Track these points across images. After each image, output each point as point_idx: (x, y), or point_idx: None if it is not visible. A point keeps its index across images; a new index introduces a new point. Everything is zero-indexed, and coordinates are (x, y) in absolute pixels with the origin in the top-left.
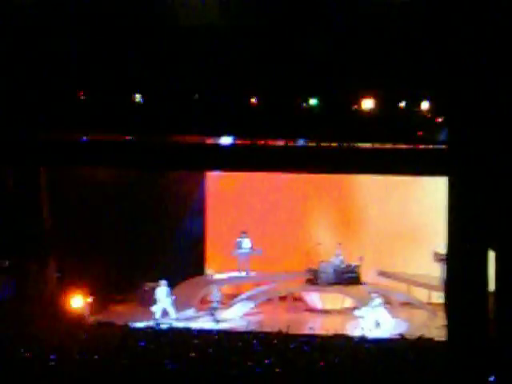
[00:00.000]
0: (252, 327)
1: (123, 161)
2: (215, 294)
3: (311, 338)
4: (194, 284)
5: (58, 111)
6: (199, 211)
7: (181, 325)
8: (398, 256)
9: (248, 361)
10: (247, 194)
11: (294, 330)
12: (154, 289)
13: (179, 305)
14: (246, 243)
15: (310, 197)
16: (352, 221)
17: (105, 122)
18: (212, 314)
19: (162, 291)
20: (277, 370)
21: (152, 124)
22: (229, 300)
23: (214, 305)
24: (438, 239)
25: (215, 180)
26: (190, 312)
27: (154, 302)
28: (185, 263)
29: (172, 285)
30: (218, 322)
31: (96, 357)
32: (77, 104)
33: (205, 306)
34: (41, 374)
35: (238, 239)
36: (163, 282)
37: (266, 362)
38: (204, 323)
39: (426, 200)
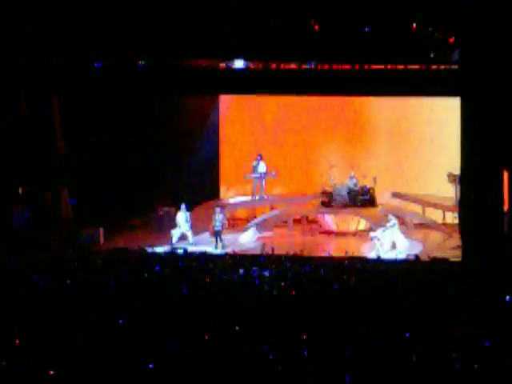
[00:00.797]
0: (266, 250)
1: (136, 85)
2: (217, 217)
3: (326, 260)
4: (208, 208)
5: (71, 35)
6: (213, 134)
7: (196, 249)
8: (411, 177)
9: (263, 284)
10: (261, 118)
11: (308, 253)
12: (169, 213)
13: (194, 229)
14: (262, 167)
15: (323, 120)
16: (365, 142)
17: (121, 46)
18: (216, 239)
19: (181, 216)
20: (292, 293)
21: (165, 48)
22: (243, 224)
23: (217, 228)
24: (452, 160)
25: (228, 104)
26: (205, 236)
27: (173, 225)
28: (201, 187)
29: (190, 209)
30: (220, 247)
31: (111, 282)
32: (90, 28)
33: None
34: (56, 301)
35: (254, 162)
36: (183, 207)
37: (282, 284)
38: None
39: (439, 120)
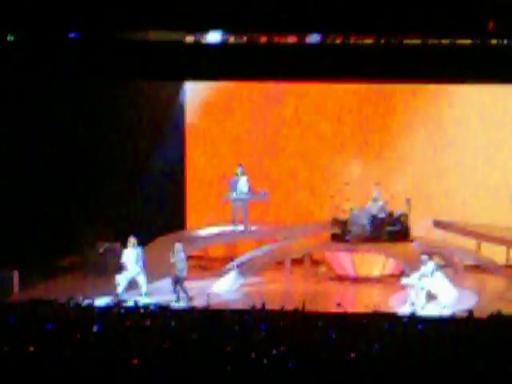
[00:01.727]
0: (253, 303)
1: (61, 66)
2: (178, 257)
3: (339, 317)
4: (169, 243)
5: None
6: (176, 138)
7: (151, 301)
8: (460, 200)
9: (248, 351)
10: (244, 114)
11: (314, 307)
12: (113, 250)
13: (150, 273)
14: (243, 184)
15: (331, 116)
16: (394, 150)
17: (42, 12)
18: (175, 287)
19: (130, 254)
20: (289, 365)
21: (104, 15)
22: (219, 266)
23: (179, 273)
24: None
25: (199, 94)
26: (165, 284)
27: (119, 268)
28: (158, 213)
29: (142, 246)
30: (185, 299)
31: (31, 348)
32: None
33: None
34: None
35: (232, 178)
36: (132, 241)
37: (274, 352)
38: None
39: (499, 121)
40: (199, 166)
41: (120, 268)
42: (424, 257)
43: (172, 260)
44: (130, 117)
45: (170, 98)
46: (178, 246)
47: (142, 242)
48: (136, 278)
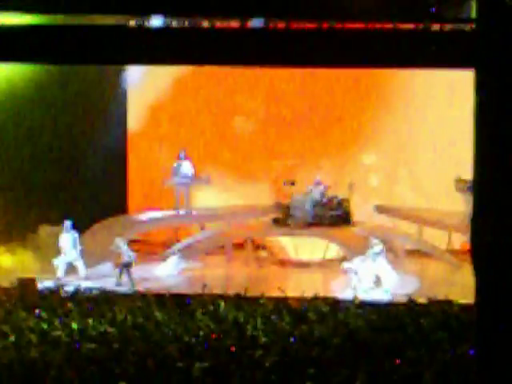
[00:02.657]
0: (194, 288)
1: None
2: (119, 243)
3: (281, 302)
4: (110, 228)
5: None
6: (118, 120)
7: (92, 285)
8: (403, 184)
9: (189, 336)
10: (187, 97)
11: (255, 292)
12: (54, 234)
13: (90, 258)
14: (186, 168)
15: (277, 97)
16: (337, 133)
17: None
18: (120, 272)
19: (66, 238)
20: (232, 349)
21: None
22: (161, 250)
23: (126, 259)
24: (461, 160)
25: (141, 77)
26: (106, 268)
27: (55, 252)
28: (99, 197)
29: (80, 229)
30: (129, 283)
31: None
32: None
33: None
34: None
35: (175, 162)
36: (67, 225)
37: (214, 337)
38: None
39: (442, 101)
40: (142, 149)
41: (57, 252)
42: (372, 239)
43: (114, 249)
44: (73, 100)
45: (112, 81)
46: (118, 240)
47: (84, 226)
48: (74, 263)
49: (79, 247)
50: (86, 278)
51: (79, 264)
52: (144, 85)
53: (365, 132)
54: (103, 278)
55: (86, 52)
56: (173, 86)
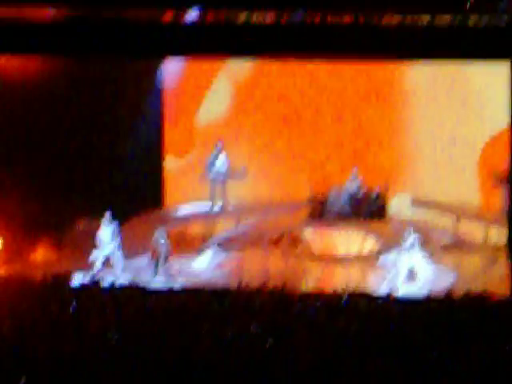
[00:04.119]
0: (230, 282)
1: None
2: (159, 237)
3: (316, 296)
4: (147, 222)
5: None
6: (154, 114)
7: (128, 279)
8: (440, 178)
9: (225, 329)
10: (223, 90)
11: (291, 286)
12: (92, 228)
13: (127, 251)
14: (222, 161)
15: (314, 92)
16: (373, 128)
17: None
18: (155, 266)
19: (105, 231)
20: (267, 343)
21: None
22: (198, 244)
23: (162, 251)
24: (497, 154)
25: (178, 71)
26: (143, 262)
27: (93, 245)
28: (136, 191)
29: (119, 223)
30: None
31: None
32: None
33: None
34: None
35: (211, 156)
36: (107, 217)
37: (252, 330)
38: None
39: (478, 98)
40: (178, 142)
41: (95, 245)
42: (407, 232)
43: (153, 242)
44: (108, 94)
45: (148, 75)
46: (160, 231)
47: (120, 219)
48: (111, 256)
49: (118, 239)
50: (123, 271)
51: (116, 258)
52: (185, 79)
53: (403, 124)
54: (140, 271)
55: (120, 47)
56: (209, 81)
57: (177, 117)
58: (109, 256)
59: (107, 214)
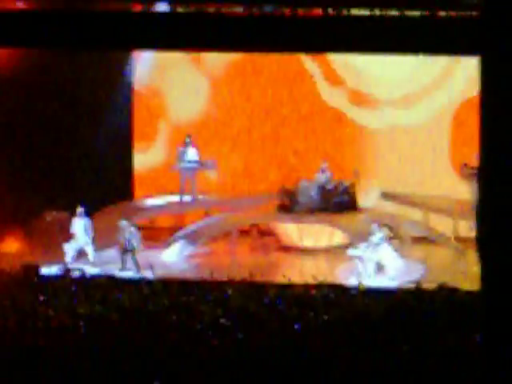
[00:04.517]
0: (200, 274)
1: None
2: (127, 233)
3: (286, 289)
4: (116, 213)
5: None
6: (124, 105)
7: (99, 271)
8: (408, 170)
9: (194, 322)
10: (193, 82)
11: (260, 278)
12: (59, 220)
13: (96, 243)
14: (192, 153)
15: (283, 84)
16: (343, 119)
17: None
18: (123, 258)
19: (78, 223)
20: (238, 336)
21: None
22: (167, 236)
23: (130, 244)
24: (466, 145)
25: (147, 63)
26: (111, 254)
27: (67, 237)
28: (106, 183)
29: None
30: (134, 268)
31: None
32: None
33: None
34: None
35: (181, 148)
36: (80, 211)
37: (222, 323)
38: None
39: (447, 89)
40: (147, 135)
41: (68, 237)
42: (374, 225)
43: (120, 233)
44: (77, 87)
45: (118, 68)
46: (123, 223)
47: (89, 212)
48: (84, 248)
49: (91, 233)
50: (92, 264)
51: (89, 249)
52: (155, 70)
53: (373, 118)
54: (108, 264)
55: (90, 39)
56: (182, 71)
57: (147, 108)
58: (82, 248)
59: (80, 208)
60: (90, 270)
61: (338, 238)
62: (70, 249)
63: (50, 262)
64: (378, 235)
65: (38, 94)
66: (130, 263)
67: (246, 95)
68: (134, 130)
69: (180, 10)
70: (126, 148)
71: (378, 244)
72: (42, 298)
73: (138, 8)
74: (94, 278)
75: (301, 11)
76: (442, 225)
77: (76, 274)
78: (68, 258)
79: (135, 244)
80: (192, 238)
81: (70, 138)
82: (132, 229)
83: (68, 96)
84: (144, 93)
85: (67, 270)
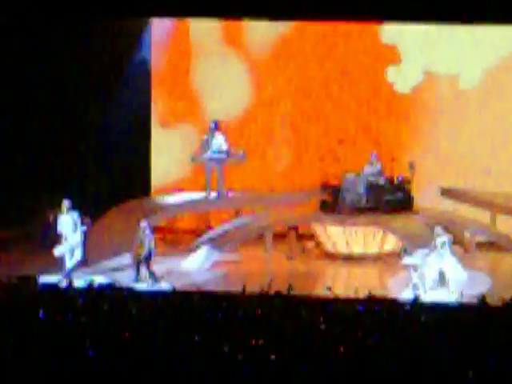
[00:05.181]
0: (227, 286)
1: None
2: (142, 236)
3: (328, 302)
4: (130, 213)
5: None
6: (141, 90)
7: (106, 281)
8: (474, 164)
9: (221, 341)
10: (221, 60)
11: (299, 291)
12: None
13: (105, 248)
14: (219, 141)
15: (327, 64)
16: (396, 105)
17: None
18: (137, 268)
19: (65, 221)
20: (271, 356)
21: None
22: (188, 240)
23: (144, 253)
24: None
25: (166, 35)
26: (125, 260)
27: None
28: (119, 176)
29: (94, 214)
30: (148, 279)
31: None
32: None
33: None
34: None
35: (205, 136)
36: (66, 204)
37: (253, 342)
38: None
39: None
40: (167, 120)
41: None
42: (437, 228)
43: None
44: (88, 63)
45: (132, 41)
46: (143, 224)
47: (100, 210)
48: (74, 249)
49: (82, 229)
50: (101, 273)
51: (78, 253)
52: (175, 45)
53: (433, 105)
54: (120, 272)
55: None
56: (210, 46)
57: (169, 98)
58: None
59: (65, 202)
60: (97, 280)
61: (391, 243)
62: (63, 252)
63: (49, 271)
64: (441, 240)
65: (47, 78)
66: (144, 272)
67: (286, 78)
68: (151, 115)
69: None
70: (143, 135)
71: (438, 251)
72: (40, 313)
73: None
74: (101, 290)
75: None
76: None
77: (79, 284)
78: (66, 263)
79: (152, 250)
80: (218, 243)
81: (77, 125)
82: (148, 231)
83: (69, 78)
84: (167, 74)
85: (68, 281)
